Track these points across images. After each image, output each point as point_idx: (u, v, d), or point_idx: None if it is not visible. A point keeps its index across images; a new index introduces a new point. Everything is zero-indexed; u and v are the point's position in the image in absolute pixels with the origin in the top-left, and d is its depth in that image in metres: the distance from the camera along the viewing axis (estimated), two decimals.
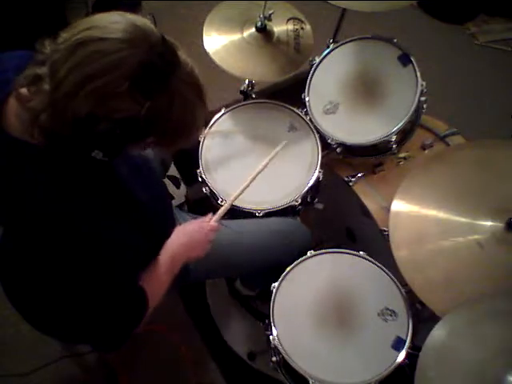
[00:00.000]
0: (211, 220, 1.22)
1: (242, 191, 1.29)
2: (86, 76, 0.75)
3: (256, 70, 1.52)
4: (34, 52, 0.83)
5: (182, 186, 1.88)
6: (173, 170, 1.88)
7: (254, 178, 1.31)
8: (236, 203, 1.40)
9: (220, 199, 1.41)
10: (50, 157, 0.85)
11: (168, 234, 1.15)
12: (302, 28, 1.58)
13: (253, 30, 1.55)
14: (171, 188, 1.86)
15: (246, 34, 1.55)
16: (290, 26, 1.58)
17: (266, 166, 1.34)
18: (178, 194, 1.87)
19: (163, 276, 1.09)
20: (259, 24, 1.53)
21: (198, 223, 1.20)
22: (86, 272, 0.91)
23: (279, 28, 1.58)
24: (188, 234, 1.16)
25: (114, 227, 0.92)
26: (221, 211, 1.25)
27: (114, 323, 1.00)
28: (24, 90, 0.83)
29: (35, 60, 0.81)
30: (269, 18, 1.52)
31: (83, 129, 0.79)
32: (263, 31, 1.54)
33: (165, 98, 0.80)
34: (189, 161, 1.57)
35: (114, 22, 0.78)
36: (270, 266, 1.36)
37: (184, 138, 0.90)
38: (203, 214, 1.26)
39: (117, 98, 0.77)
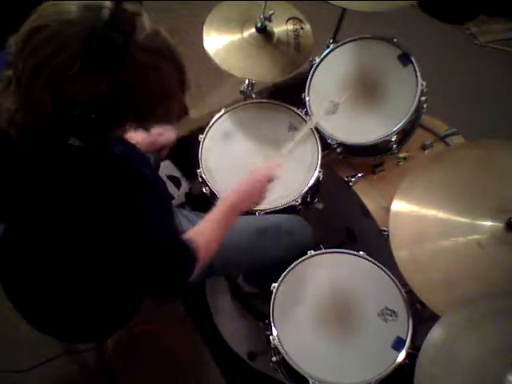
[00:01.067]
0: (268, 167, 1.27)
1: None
2: (38, 64, 0.74)
3: (256, 70, 1.52)
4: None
5: (183, 187, 1.88)
6: (173, 170, 1.88)
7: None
8: None
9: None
10: (37, 153, 0.85)
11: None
12: (302, 28, 1.58)
13: (253, 30, 1.55)
14: (171, 188, 1.86)
15: (246, 34, 1.55)
16: (290, 26, 1.58)
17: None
18: (179, 194, 1.88)
19: (219, 224, 1.14)
20: (259, 24, 1.53)
21: (253, 174, 1.25)
22: (121, 240, 0.90)
23: (279, 28, 1.57)
24: (246, 183, 1.23)
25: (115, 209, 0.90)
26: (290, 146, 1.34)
27: (162, 278, 1.02)
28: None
29: (7, 62, 0.80)
30: (269, 19, 1.52)
31: (53, 118, 0.79)
32: (263, 32, 1.54)
33: (126, 71, 0.76)
34: (187, 155, 1.57)
35: (58, 7, 0.76)
36: (273, 262, 1.36)
37: (163, 111, 0.86)
38: (207, 209, 1.26)
39: (71, 80, 0.75)
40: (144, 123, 0.88)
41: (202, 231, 1.11)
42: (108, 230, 0.88)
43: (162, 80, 0.82)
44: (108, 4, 0.75)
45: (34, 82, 0.75)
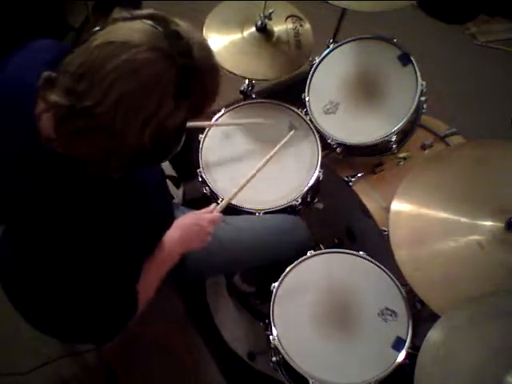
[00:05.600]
0: (213, 210, 1.21)
1: (247, 181, 1.29)
2: (144, 119, 0.76)
3: (257, 69, 1.52)
4: (57, 41, 0.84)
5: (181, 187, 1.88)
6: (171, 170, 1.88)
7: (259, 169, 1.31)
8: (236, 203, 1.40)
9: (220, 199, 1.41)
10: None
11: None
12: (301, 25, 1.58)
13: (253, 29, 1.55)
14: (171, 188, 1.86)
15: (246, 33, 1.55)
16: (290, 25, 1.58)
17: (272, 157, 1.33)
18: (178, 194, 1.87)
19: (157, 271, 1.08)
20: (259, 23, 1.53)
21: (196, 215, 1.19)
22: (85, 272, 0.91)
23: (279, 27, 1.58)
24: (185, 227, 1.15)
25: (119, 231, 0.91)
26: (224, 203, 1.25)
27: (105, 319, 1.00)
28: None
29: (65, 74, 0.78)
30: (269, 17, 1.52)
31: (142, 153, 0.81)
32: (263, 31, 1.54)
33: (198, 89, 0.80)
34: (185, 157, 1.57)
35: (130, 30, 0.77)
36: (270, 262, 1.36)
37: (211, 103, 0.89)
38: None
39: (172, 118, 0.79)
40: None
41: (142, 278, 1.04)
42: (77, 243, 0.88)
43: (216, 80, 0.86)
44: (163, 27, 0.78)
45: (141, 134, 0.77)
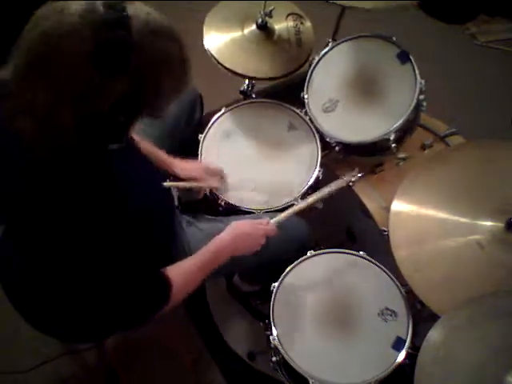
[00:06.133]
0: (269, 222, 1.22)
1: (314, 201, 1.32)
2: (55, 90, 0.74)
3: (258, 67, 1.52)
4: None
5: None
6: None
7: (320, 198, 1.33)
8: (236, 203, 1.40)
9: (220, 199, 1.41)
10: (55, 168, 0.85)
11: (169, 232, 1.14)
12: (302, 23, 1.58)
13: (253, 27, 1.55)
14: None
15: (246, 31, 1.55)
16: (290, 22, 1.58)
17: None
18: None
19: (201, 268, 1.09)
20: (260, 21, 1.53)
21: (253, 224, 1.20)
22: (97, 264, 0.91)
23: (279, 25, 1.58)
24: (239, 233, 1.16)
25: (121, 226, 0.92)
26: (281, 216, 1.26)
27: (131, 308, 1.00)
28: None
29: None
30: (269, 15, 1.52)
31: (85, 133, 0.79)
32: (264, 28, 1.54)
33: (138, 61, 0.77)
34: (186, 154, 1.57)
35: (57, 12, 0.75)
36: (270, 261, 1.35)
37: (170, 90, 0.87)
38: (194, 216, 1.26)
39: (94, 93, 0.75)
40: (158, 108, 0.88)
41: (183, 271, 1.07)
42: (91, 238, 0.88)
43: (168, 58, 0.83)
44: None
45: (56, 108, 0.75)
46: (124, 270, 0.94)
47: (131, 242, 0.95)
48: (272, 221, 1.24)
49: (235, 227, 1.17)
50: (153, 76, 0.81)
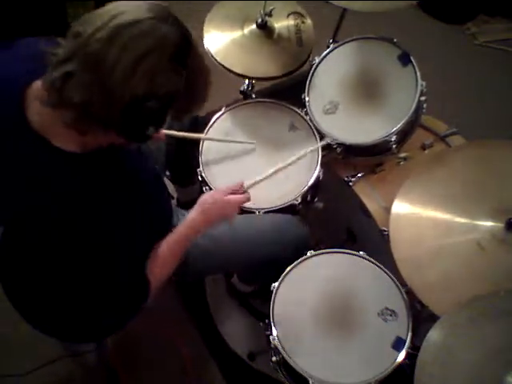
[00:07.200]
0: (241, 189, 1.22)
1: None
2: (137, 57, 0.78)
3: (258, 66, 1.52)
4: (40, 38, 0.86)
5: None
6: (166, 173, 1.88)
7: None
8: None
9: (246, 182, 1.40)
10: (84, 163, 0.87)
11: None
12: (303, 22, 1.58)
13: (253, 26, 1.55)
14: (171, 188, 1.85)
15: (246, 30, 1.55)
16: (291, 21, 1.58)
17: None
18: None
19: (176, 246, 1.10)
20: (260, 20, 1.53)
21: (220, 193, 1.18)
22: (91, 260, 0.92)
23: (280, 24, 1.57)
24: (208, 206, 1.15)
25: (127, 225, 0.94)
26: (252, 182, 1.30)
27: (116, 306, 1.02)
28: (42, 92, 0.83)
29: (52, 62, 0.81)
30: (269, 14, 1.52)
31: (133, 110, 0.81)
32: (264, 27, 1.54)
33: (194, 63, 0.86)
34: (183, 162, 1.57)
35: (135, 6, 0.82)
36: (266, 261, 1.36)
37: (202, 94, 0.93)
38: None
39: (164, 74, 0.81)
40: (187, 111, 0.93)
41: (161, 262, 1.06)
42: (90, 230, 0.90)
43: (204, 66, 0.91)
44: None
45: (135, 72, 0.78)
46: (117, 268, 0.96)
47: (132, 239, 0.96)
48: (246, 184, 1.24)
49: (201, 200, 1.16)
50: (195, 78, 0.87)
